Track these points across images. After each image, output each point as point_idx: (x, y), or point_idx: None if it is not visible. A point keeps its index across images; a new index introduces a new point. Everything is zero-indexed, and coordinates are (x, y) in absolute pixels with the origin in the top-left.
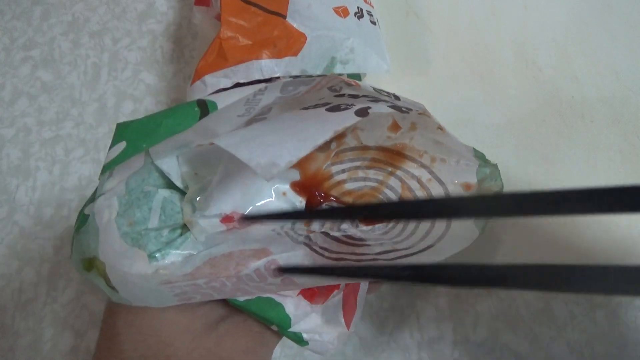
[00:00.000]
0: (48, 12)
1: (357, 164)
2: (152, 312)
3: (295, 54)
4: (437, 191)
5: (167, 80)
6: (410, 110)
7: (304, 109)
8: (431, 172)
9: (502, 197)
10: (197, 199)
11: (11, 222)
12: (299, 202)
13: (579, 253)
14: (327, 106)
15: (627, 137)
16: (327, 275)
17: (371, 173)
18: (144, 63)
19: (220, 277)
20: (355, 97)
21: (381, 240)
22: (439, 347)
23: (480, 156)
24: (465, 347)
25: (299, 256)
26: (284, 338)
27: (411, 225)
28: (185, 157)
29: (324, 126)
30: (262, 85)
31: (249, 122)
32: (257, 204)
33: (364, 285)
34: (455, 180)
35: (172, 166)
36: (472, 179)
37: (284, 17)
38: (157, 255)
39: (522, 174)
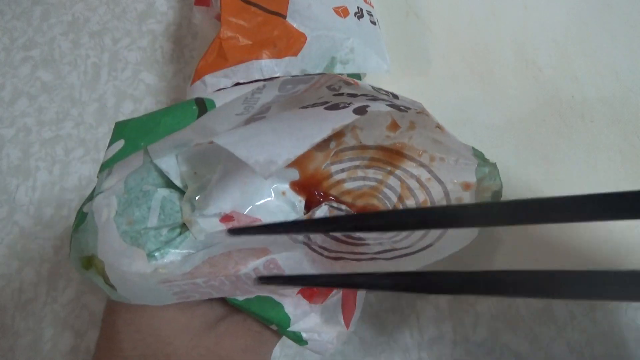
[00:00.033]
0: (48, 12)
1: (357, 163)
2: (152, 310)
3: (295, 54)
4: (436, 190)
5: (167, 80)
6: (409, 108)
7: (303, 107)
8: (430, 171)
9: (502, 206)
10: (197, 198)
11: (11, 222)
12: (299, 201)
13: (579, 253)
14: (326, 105)
15: (627, 137)
16: (308, 284)
17: (370, 172)
18: (144, 63)
19: (219, 276)
20: (354, 95)
21: (380, 240)
22: (439, 347)
23: (479, 155)
24: (465, 347)
25: (298, 255)
26: (284, 338)
27: None
28: (184, 156)
29: (322, 124)
30: (260, 83)
31: (248, 121)
32: (256, 203)
33: None
34: (455, 179)
35: (171, 165)
36: (471, 178)
37: (284, 17)
38: (156, 254)
39: (522, 174)
